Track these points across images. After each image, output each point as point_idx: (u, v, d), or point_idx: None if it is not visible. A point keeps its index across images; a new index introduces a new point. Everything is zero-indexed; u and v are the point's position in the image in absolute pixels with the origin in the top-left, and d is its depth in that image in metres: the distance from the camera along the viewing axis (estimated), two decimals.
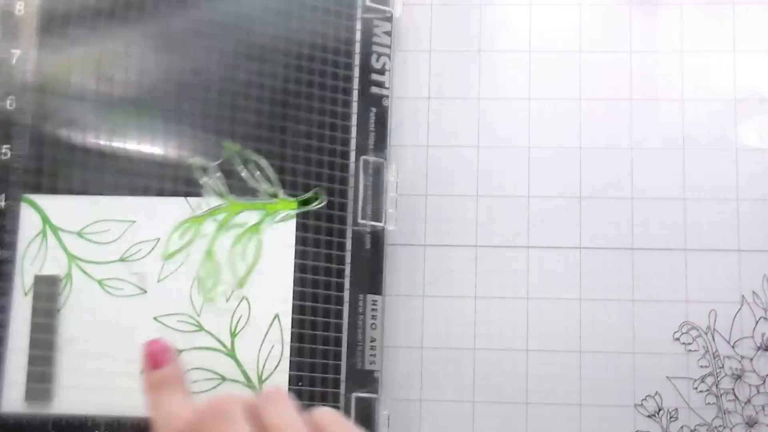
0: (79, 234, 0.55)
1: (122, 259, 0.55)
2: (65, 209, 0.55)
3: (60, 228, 0.55)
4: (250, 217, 0.55)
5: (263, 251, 0.55)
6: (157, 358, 0.40)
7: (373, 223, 0.55)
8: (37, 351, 0.54)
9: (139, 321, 0.54)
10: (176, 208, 0.55)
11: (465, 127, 0.57)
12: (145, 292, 0.54)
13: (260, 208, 0.55)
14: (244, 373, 0.53)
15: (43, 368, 0.53)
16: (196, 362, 0.54)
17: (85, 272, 0.54)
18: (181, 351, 0.54)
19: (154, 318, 0.54)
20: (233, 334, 0.54)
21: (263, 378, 0.53)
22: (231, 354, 0.54)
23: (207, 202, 0.55)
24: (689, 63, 0.57)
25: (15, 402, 0.54)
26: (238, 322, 0.54)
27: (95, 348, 0.54)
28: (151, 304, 0.54)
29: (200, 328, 0.54)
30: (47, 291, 0.54)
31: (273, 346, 0.54)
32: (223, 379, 0.53)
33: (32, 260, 0.55)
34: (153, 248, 0.55)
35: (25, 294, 0.54)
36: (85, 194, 0.56)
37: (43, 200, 0.55)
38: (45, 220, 0.55)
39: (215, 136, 0.56)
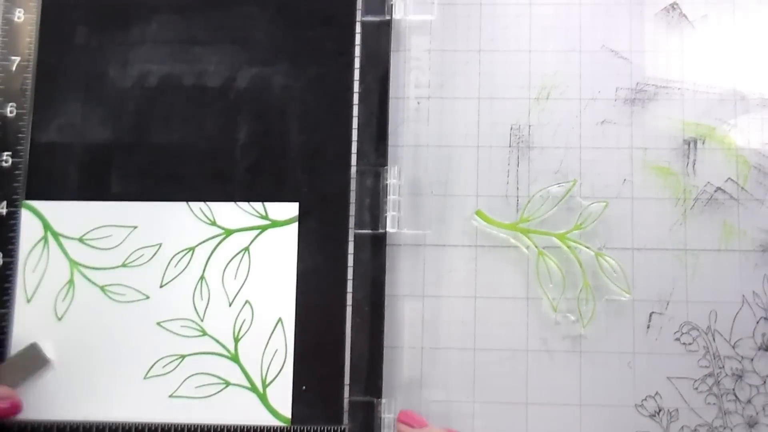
0: (81, 240, 0.55)
1: (124, 265, 0.55)
2: (66, 215, 0.55)
3: (61, 234, 0.55)
4: (242, 239, 0.56)
5: (258, 264, 0.55)
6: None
7: (373, 230, 0.55)
8: None
9: (142, 326, 0.54)
10: (178, 213, 0.55)
11: (465, 127, 0.57)
12: (148, 297, 0.55)
13: (250, 230, 0.55)
14: (248, 377, 0.54)
15: None
16: (200, 367, 0.54)
17: (87, 278, 0.54)
18: (184, 356, 0.54)
19: (157, 323, 0.54)
20: (237, 339, 0.54)
21: (267, 382, 0.53)
22: (234, 358, 0.54)
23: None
24: (689, 63, 0.57)
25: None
26: (241, 327, 0.54)
27: (98, 353, 0.54)
28: (153, 310, 0.54)
29: (203, 333, 0.54)
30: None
31: (276, 350, 0.54)
32: (227, 383, 0.53)
33: (34, 267, 0.55)
34: (155, 254, 0.55)
35: (27, 301, 0.54)
36: (86, 200, 0.55)
37: (44, 206, 0.55)
38: (46, 226, 0.55)
39: (216, 140, 0.56)
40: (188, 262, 0.55)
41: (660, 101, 0.57)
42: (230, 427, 0.52)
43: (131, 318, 0.54)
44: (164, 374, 0.54)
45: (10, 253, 0.54)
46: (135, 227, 0.55)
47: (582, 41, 0.58)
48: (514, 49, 0.58)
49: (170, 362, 0.54)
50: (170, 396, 0.53)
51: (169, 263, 0.55)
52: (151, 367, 0.54)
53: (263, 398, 0.53)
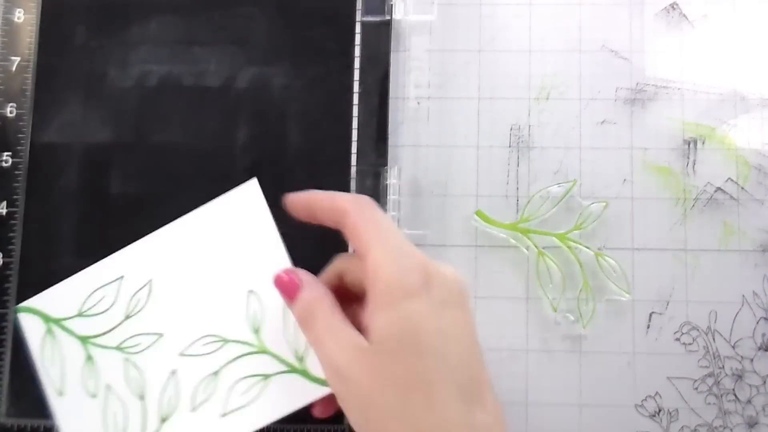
0: (80, 315, 0.54)
1: (127, 316, 0.53)
2: (59, 300, 0.54)
3: (62, 318, 0.54)
4: (241, 236, 0.55)
5: (257, 257, 0.54)
6: (288, 288, 0.47)
7: None
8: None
9: (168, 364, 0.53)
10: (159, 246, 0.54)
11: (465, 127, 0.57)
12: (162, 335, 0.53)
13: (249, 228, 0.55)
14: (283, 360, 0.51)
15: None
16: (237, 374, 0.51)
17: (101, 346, 0.53)
18: (218, 371, 0.52)
19: (180, 354, 0.53)
20: (255, 331, 0.53)
21: (302, 356, 0.51)
22: (263, 350, 0.52)
23: None
24: (689, 63, 0.57)
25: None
26: (254, 318, 0.53)
27: (142, 411, 0.53)
28: (171, 344, 0.53)
29: (224, 341, 0.52)
30: None
31: (295, 325, 0.51)
32: (266, 376, 0.51)
33: None
34: (150, 292, 0.53)
35: None
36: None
37: None
38: None
39: (216, 140, 0.56)
40: (185, 280, 0.53)
41: (660, 101, 0.57)
42: (290, 415, 0.51)
43: (156, 361, 0.52)
44: (207, 398, 0.52)
45: (10, 253, 0.54)
46: (121, 277, 0.54)
47: (582, 41, 0.58)
48: (514, 49, 0.58)
49: (207, 384, 0.52)
50: (223, 415, 0.52)
51: (166, 293, 0.53)
52: (193, 397, 0.52)
53: (305, 373, 0.51)
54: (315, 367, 0.51)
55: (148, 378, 0.52)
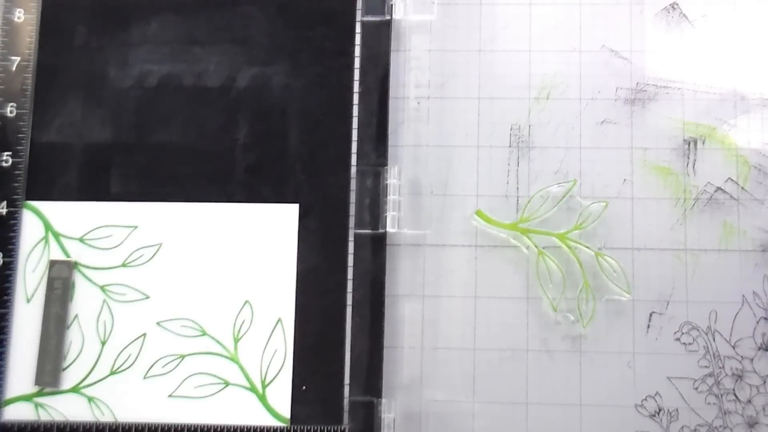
0: (81, 240, 0.55)
1: (124, 265, 0.55)
2: (67, 215, 0.55)
3: (62, 234, 0.55)
4: (241, 239, 0.56)
5: (258, 264, 0.55)
6: None
7: (373, 230, 0.55)
8: (49, 338, 0.54)
9: (142, 326, 0.54)
10: (178, 213, 0.55)
11: (465, 127, 0.57)
12: (148, 297, 0.55)
13: (250, 230, 0.56)
14: (247, 377, 0.54)
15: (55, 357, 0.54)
16: (200, 367, 0.54)
17: (87, 278, 0.54)
18: (184, 356, 0.54)
19: (157, 323, 0.54)
20: (236, 339, 0.54)
21: (266, 382, 0.53)
22: (234, 358, 0.54)
23: None
24: (689, 63, 0.57)
25: (18, 409, 0.54)
26: (241, 327, 0.54)
27: (98, 353, 0.54)
28: (153, 309, 0.54)
29: (203, 332, 0.54)
30: (62, 276, 0.54)
31: (276, 350, 0.54)
32: (227, 383, 0.53)
33: (34, 267, 0.55)
34: (155, 253, 0.55)
35: (28, 301, 0.54)
36: (86, 200, 0.55)
37: (44, 206, 0.55)
38: (47, 226, 0.55)
39: (216, 140, 0.56)
40: (188, 262, 0.55)
41: (660, 101, 0.57)
42: (229, 427, 0.52)
43: (131, 318, 0.54)
44: (164, 374, 0.54)
45: (10, 253, 0.54)
46: (135, 227, 0.55)
47: (582, 41, 0.58)
48: (514, 49, 0.58)
49: (170, 362, 0.54)
50: (170, 396, 0.53)
51: (169, 263, 0.55)
52: (151, 366, 0.54)
53: (262, 398, 0.53)
54: (274, 398, 0.53)
55: (118, 328, 0.54)
